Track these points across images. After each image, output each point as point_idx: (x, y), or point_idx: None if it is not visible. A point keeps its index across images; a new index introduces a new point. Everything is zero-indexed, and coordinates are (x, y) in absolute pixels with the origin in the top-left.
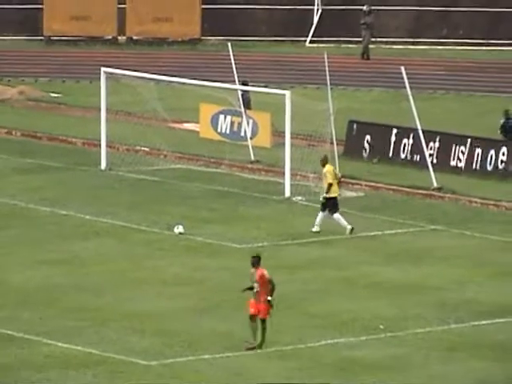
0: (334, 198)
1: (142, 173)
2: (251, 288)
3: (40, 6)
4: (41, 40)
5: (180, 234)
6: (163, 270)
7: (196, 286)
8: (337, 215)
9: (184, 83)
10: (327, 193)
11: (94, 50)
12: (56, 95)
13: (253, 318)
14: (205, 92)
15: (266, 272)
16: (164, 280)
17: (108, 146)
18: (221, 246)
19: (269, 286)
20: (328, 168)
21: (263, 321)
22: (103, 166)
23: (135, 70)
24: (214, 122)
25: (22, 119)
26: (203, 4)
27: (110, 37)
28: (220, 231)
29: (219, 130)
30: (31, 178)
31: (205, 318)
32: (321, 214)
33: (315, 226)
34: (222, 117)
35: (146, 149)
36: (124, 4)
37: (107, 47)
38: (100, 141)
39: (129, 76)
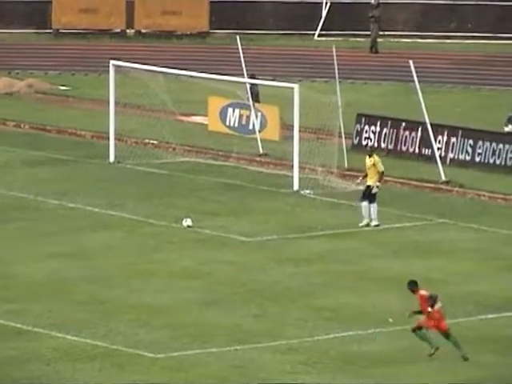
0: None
1: (150, 166)
2: (420, 312)
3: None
4: (49, 33)
5: (188, 226)
6: (171, 263)
7: (204, 279)
8: (366, 204)
9: (192, 76)
10: (379, 181)
11: (102, 43)
12: (65, 88)
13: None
14: (213, 85)
15: (424, 292)
16: (172, 273)
17: (116, 138)
18: (229, 239)
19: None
20: (376, 157)
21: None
22: (111, 158)
23: (144, 63)
24: (223, 115)
25: (30, 112)
26: None
27: (118, 30)
28: (228, 224)
29: (228, 123)
30: (40, 171)
31: (212, 311)
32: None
33: (373, 221)
34: (230, 110)
35: (154, 142)
36: None
37: (116, 40)
38: (108, 133)
39: (137, 69)
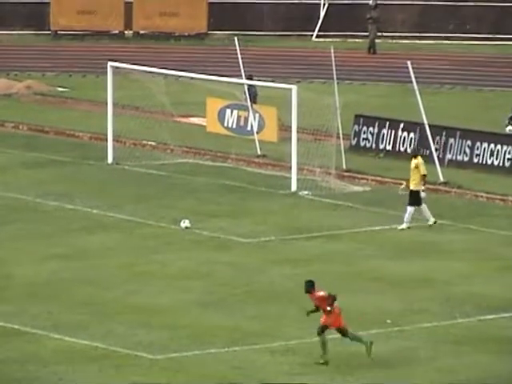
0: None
1: (148, 167)
2: (316, 310)
3: (47, 1)
4: (48, 34)
5: (186, 228)
6: (170, 264)
7: (202, 280)
8: (413, 209)
9: (191, 77)
10: (424, 184)
11: (100, 44)
12: (63, 89)
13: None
14: (211, 86)
15: (322, 293)
16: (170, 274)
17: (115, 140)
18: (227, 240)
19: (328, 300)
20: (420, 159)
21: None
22: (110, 160)
23: (142, 65)
24: (221, 116)
25: (28, 113)
26: None
27: (116, 31)
28: (226, 225)
29: (226, 124)
30: (38, 172)
31: (211, 312)
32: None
33: (430, 219)
34: (228, 111)
35: (152, 143)
36: None
37: (114, 41)
38: (107, 135)
39: (135, 70)
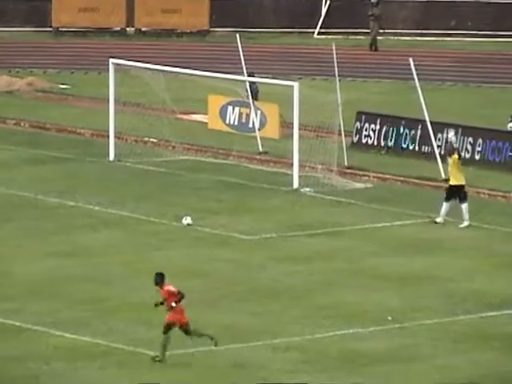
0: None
1: (150, 164)
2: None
3: None
4: (49, 31)
5: (188, 225)
6: (171, 261)
7: (203, 278)
8: (465, 205)
9: (192, 74)
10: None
11: (102, 41)
12: (64, 86)
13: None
14: (213, 83)
15: (171, 288)
16: (171, 271)
17: (116, 137)
18: (229, 237)
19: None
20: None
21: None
22: (111, 157)
23: (144, 62)
24: (223, 113)
25: (30, 110)
26: None
27: (118, 28)
28: (228, 222)
29: (227, 121)
30: (40, 169)
31: (212, 310)
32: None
33: (465, 221)
34: (230, 108)
35: (154, 140)
36: None
37: (116, 38)
38: (108, 132)
39: (137, 67)
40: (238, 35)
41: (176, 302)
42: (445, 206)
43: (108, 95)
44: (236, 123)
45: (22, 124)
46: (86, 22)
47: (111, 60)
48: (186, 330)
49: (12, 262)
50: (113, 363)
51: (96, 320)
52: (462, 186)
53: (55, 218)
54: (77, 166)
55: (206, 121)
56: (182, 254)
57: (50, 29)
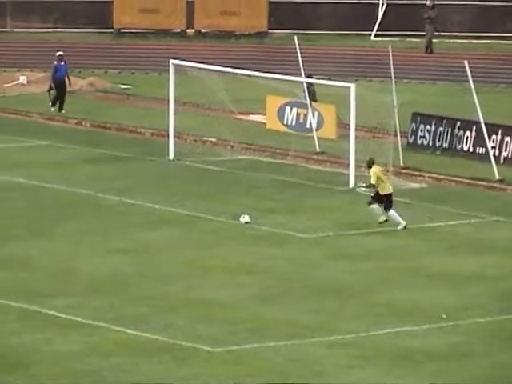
0: (388, 195)
1: (209, 163)
2: None
3: (110, 0)
4: (111, 33)
5: (246, 223)
6: (229, 259)
7: (261, 275)
8: (392, 212)
9: (251, 75)
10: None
11: (162, 42)
12: (125, 87)
13: None
14: (271, 84)
15: None
16: (230, 268)
17: (176, 136)
18: (286, 236)
19: None
20: (374, 169)
21: None
22: (171, 156)
23: (203, 63)
24: (281, 113)
25: (91, 110)
26: None
27: (178, 30)
28: (285, 221)
29: (285, 121)
30: (100, 168)
31: (269, 306)
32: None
33: (381, 217)
34: (288, 109)
35: (213, 140)
36: None
37: (176, 40)
38: (168, 131)
39: (197, 68)
40: (295, 37)
41: None
42: (376, 208)
43: (168, 95)
44: (294, 124)
45: (84, 123)
46: (147, 23)
47: (171, 61)
48: None
49: (73, 259)
50: (172, 359)
51: (155, 316)
52: (390, 195)
53: (115, 216)
54: (137, 165)
55: (264, 121)
56: (240, 251)
57: (111, 30)
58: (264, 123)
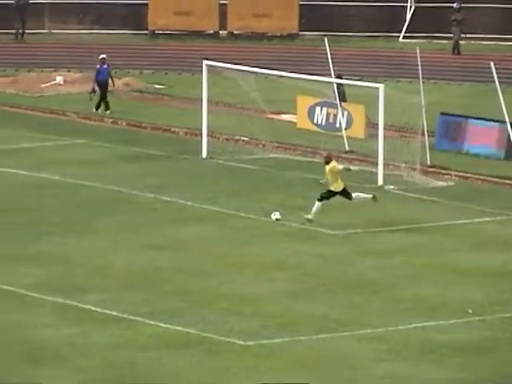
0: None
1: (241, 161)
2: None
3: (145, 2)
4: (145, 34)
5: (277, 220)
6: (261, 255)
7: (291, 270)
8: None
9: (282, 76)
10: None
11: (196, 43)
12: (159, 87)
13: None
14: (302, 85)
15: None
16: (261, 264)
17: (209, 135)
18: (315, 233)
19: None
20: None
21: None
22: (204, 154)
23: (235, 63)
24: (311, 113)
25: (127, 109)
26: (301, 1)
27: (211, 31)
28: (315, 218)
29: (315, 121)
30: (135, 166)
31: (300, 301)
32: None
33: (310, 215)
34: (318, 108)
35: (245, 138)
36: (225, 0)
37: (209, 41)
38: (201, 130)
39: (229, 69)
40: (326, 39)
41: None
42: (317, 206)
43: (201, 95)
44: (323, 123)
45: (119, 122)
46: (181, 25)
47: (204, 62)
48: None
49: (109, 255)
50: (204, 352)
51: (189, 310)
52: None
53: (150, 213)
54: (171, 163)
55: (294, 120)
56: (271, 247)
57: (146, 31)
58: (295, 123)
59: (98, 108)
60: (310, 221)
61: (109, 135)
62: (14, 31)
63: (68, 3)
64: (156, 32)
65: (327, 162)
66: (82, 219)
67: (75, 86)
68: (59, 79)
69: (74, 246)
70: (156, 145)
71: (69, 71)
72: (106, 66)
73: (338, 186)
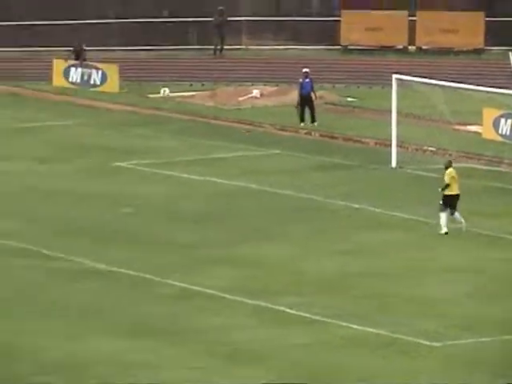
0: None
1: (428, 171)
2: None
3: (338, 19)
4: (338, 49)
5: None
6: (445, 259)
7: (475, 275)
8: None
9: (468, 89)
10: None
11: (386, 58)
12: (351, 99)
13: None
14: (487, 97)
15: None
16: (446, 268)
17: (398, 145)
18: (499, 239)
19: None
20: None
21: None
22: (393, 164)
23: (424, 77)
24: (496, 124)
25: (320, 121)
26: (487, 17)
27: (400, 46)
28: (500, 224)
29: (500, 131)
30: (327, 175)
31: (483, 305)
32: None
33: (443, 229)
34: (503, 120)
35: (432, 148)
36: (414, 17)
37: (398, 56)
38: (391, 141)
39: (417, 82)
40: (510, 53)
41: None
42: (442, 217)
43: (390, 107)
44: (508, 133)
45: (313, 133)
46: (372, 40)
47: (394, 75)
48: None
49: (302, 261)
50: (395, 352)
51: (377, 312)
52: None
53: (341, 220)
54: (361, 173)
55: (480, 131)
56: (455, 252)
57: (339, 47)
58: (480, 133)
59: (302, 120)
60: (446, 233)
61: (302, 146)
62: (212, 47)
63: (264, 20)
64: (348, 47)
65: (447, 167)
66: (276, 226)
67: (271, 99)
68: (255, 92)
69: (268, 250)
70: (347, 155)
71: (265, 85)
72: (308, 80)
73: (451, 191)
